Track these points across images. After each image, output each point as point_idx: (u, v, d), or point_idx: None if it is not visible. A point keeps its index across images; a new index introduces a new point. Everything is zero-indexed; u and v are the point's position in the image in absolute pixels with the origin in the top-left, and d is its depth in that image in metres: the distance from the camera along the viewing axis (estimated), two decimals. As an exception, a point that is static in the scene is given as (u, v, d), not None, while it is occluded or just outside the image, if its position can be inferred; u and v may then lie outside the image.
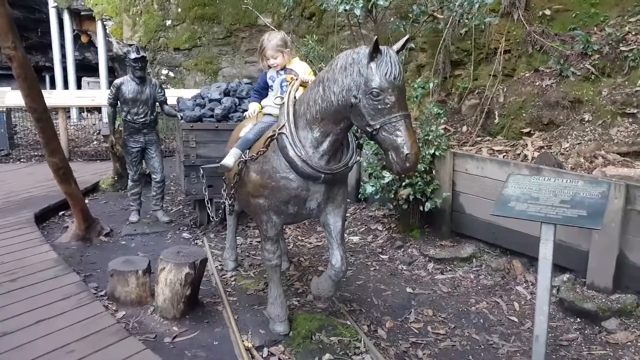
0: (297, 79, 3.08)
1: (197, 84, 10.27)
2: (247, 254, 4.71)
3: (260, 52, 3.31)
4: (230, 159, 3.17)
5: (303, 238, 5.21)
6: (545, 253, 2.61)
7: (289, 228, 5.37)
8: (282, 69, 3.28)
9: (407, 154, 2.36)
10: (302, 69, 3.25)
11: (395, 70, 2.37)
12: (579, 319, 3.51)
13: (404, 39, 2.53)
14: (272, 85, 3.34)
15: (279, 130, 2.84)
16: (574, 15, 5.37)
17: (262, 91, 3.43)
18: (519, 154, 4.72)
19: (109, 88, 5.47)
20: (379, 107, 2.39)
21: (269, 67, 3.32)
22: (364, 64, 2.41)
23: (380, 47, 2.38)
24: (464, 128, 5.55)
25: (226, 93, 5.42)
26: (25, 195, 6.25)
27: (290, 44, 3.32)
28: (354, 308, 3.68)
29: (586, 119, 4.63)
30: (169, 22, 10.55)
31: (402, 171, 2.45)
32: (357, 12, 5.12)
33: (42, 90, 4.34)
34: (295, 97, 2.95)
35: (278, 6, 9.11)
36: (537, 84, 5.17)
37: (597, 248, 3.60)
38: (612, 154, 4.19)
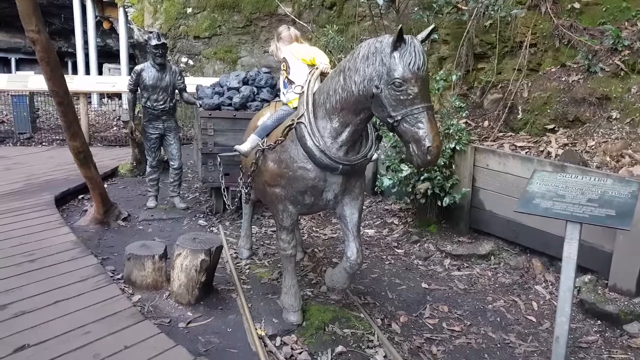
0: (317, 68, 3.04)
1: (216, 72, 10.27)
2: (262, 243, 4.71)
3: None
4: (246, 145, 3.18)
5: (318, 229, 5.19)
6: (570, 252, 2.53)
7: (304, 219, 5.35)
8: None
9: (428, 146, 2.30)
10: (288, 53, 3.24)
11: (419, 60, 2.30)
12: (599, 321, 3.42)
13: (429, 28, 2.46)
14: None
15: (298, 119, 2.80)
16: (604, 9, 5.18)
17: None
18: (542, 151, 4.60)
19: (130, 74, 5.49)
20: (401, 97, 2.33)
21: None
22: (387, 53, 2.35)
23: (404, 36, 2.32)
24: (486, 123, 5.43)
25: (245, 82, 5.39)
26: (46, 178, 6.35)
27: (282, 34, 3.36)
28: (368, 301, 3.65)
29: (614, 117, 4.48)
30: (189, 10, 10.55)
31: (423, 164, 2.39)
32: (380, 1, 5.02)
33: (64, 76, 4.37)
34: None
35: (299, -5, 9.02)
36: (564, 79, 5.01)
37: (622, 250, 3.49)
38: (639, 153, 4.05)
